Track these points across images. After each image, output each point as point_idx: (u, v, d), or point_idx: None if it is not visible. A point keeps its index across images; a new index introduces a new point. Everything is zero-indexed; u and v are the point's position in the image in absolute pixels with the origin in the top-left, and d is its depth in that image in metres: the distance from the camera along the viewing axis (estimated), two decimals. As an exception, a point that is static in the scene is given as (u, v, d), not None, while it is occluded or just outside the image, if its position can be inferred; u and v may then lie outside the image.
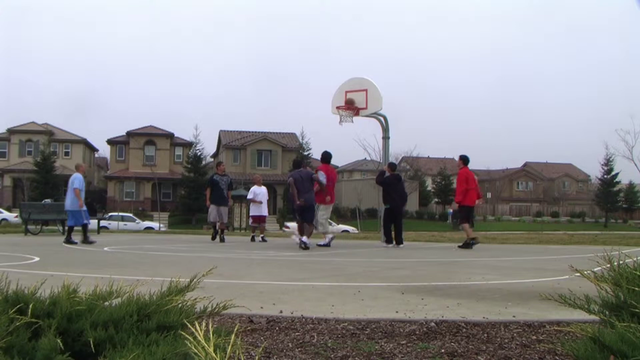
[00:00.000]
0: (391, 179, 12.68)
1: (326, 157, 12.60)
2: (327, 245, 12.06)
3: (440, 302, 4.01)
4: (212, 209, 14.31)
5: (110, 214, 39.37)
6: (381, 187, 13.08)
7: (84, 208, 12.75)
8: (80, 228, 13.02)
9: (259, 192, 15.52)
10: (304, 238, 11.05)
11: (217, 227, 14.49)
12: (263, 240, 14.87)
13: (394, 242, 12.29)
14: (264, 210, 15.51)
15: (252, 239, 15.09)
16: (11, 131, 51.37)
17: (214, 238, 14.30)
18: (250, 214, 16.15)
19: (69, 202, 12.70)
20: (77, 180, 12.72)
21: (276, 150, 52.81)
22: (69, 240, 12.51)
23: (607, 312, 2.26)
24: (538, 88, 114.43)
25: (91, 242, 12.62)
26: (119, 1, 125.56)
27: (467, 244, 11.71)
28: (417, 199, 52.62)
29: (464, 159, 12.23)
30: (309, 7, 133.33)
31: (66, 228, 13.58)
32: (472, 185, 12.01)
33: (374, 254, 10.19)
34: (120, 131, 55.04)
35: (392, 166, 13.26)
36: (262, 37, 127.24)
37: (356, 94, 14.71)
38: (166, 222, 42.07)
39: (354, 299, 4.16)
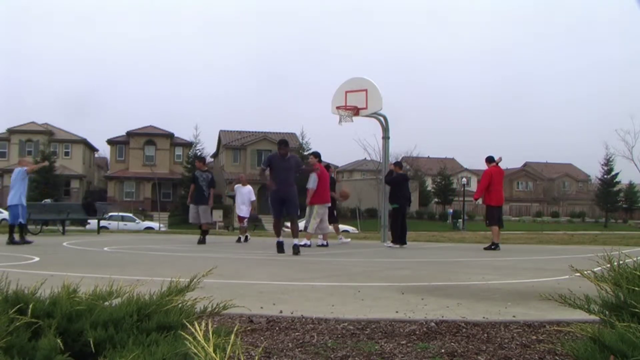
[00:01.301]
0: (399, 178, 12.66)
1: (319, 155, 12.60)
2: (325, 245, 12.09)
3: (440, 302, 4.01)
4: (191, 209, 13.33)
5: (110, 214, 39.36)
6: (384, 187, 13.07)
7: (24, 204, 12.15)
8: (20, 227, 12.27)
9: (238, 191, 15.14)
10: (296, 240, 9.57)
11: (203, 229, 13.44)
12: (245, 240, 14.42)
13: (399, 243, 12.23)
14: (243, 211, 14.92)
15: (245, 239, 14.52)
16: (11, 131, 51.37)
17: (200, 242, 13.06)
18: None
19: (14, 197, 12.03)
20: (21, 171, 12.12)
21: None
22: (12, 241, 11.85)
23: (607, 312, 2.26)
24: (538, 88, 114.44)
25: (26, 243, 12.01)
26: (119, 1, 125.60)
27: (491, 247, 11.48)
28: (417, 199, 52.60)
29: (488, 159, 12.01)
30: (309, 7, 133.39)
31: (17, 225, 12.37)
32: (496, 185, 11.76)
33: (374, 254, 10.19)
34: (120, 131, 55.15)
35: (399, 164, 13.27)
36: (262, 37, 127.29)
37: (356, 94, 14.72)
38: (166, 222, 42.07)
39: (354, 299, 4.16)
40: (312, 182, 12.01)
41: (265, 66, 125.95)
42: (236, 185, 15.47)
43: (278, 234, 9.96)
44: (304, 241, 11.79)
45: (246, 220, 15.30)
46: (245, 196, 14.99)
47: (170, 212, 47.52)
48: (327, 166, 14.61)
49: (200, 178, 13.32)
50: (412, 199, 16.00)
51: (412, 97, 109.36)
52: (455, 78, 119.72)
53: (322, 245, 12.05)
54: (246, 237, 14.92)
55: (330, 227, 13.54)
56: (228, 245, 13.00)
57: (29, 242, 12.16)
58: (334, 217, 13.97)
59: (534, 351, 2.55)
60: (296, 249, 9.26)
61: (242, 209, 14.96)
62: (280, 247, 9.67)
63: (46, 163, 13.89)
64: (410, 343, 2.71)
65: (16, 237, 12.09)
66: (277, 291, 4.58)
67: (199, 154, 50.50)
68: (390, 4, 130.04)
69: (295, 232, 9.64)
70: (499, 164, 12.22)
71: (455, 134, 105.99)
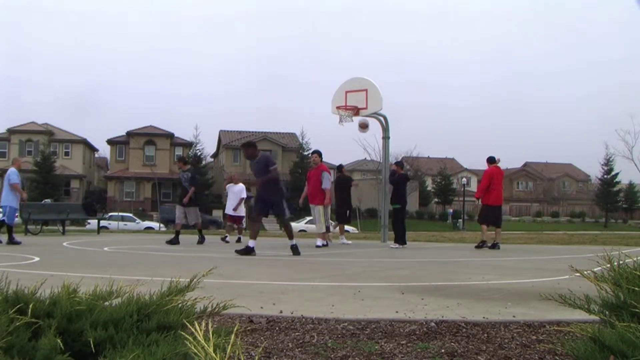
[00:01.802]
0: (402, 179, 12.76)
1: (322, 154, 12.55)
2: (325, 245, 12.09)
3: (440, 302, 4.01)
4: (177, 210, 13.12)
5: (110, 214, 39.40)
6: (384, 187, 13.15)
7: (16, 206, 12.16)
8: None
9: (230, 190, 14.66)
10: (293, 241, 9.24)
11: (179, 230, 13.07)
12: (223, 238, 13.94)
13: (401, 243, 12.26)
14: (235, 210, 14.48)
15: (224, 238, 14.08)
16: (11, 131, 51.38)
17: (170, 242, 12.51)
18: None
19: (4, 197, 12.02)
20: (12, 174, 12.09)
21: (276, 151, 52.80)
22: (12, 241, 11.87)
23: (607, 312, 2.26)
24: (538, 88, 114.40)
25: (16, 243, 11.91)
26: (119, 1, 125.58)
27: (483, 244, 11.78)
28: (417, 199, 52.60)
29: (489, 159, 12.12)
30: (309, 7, 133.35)
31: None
32: (496, 185, 11.86)
33: (374, 254, 10.19)
34: (120, 131, 55.16)
35: (400, 164, 13.36)
36: (262, 37, 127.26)
37: (356, 94, 14.73)
38: (166, 222, 42.06)
39: (354, 299, 4.16)
40: (327, 182, 12.01)
41: (265, 66, 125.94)
42: (228, 185, 15.02)
43: (251, 234, 9.26)
44: (321, 242, 11.87)
45: (243, 219, 15.10)
46: (237, 195, 14.54)
47: (170, 212, 47.52)
48: (340, 167, 14.71)
49: (183, 179, 13.00)
50: (412, 199, 16.15)
51: (412, 97, 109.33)
52: (455, 78, 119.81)
53: (324, 245, 12.05)
54: (225, 237, 14.33)
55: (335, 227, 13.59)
56: (228, 245, 12.98)
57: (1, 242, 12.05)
58: (347, 218, 14.04)
59: (534, 351, 2.55)
60: (295, 250, 9.10)
61: (232, 209, 14.57)
62: (246, 251, 8.90)
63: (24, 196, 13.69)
64: (410, 343, 2.71)
65: (3, 237, 12.02)
66: (277, 291, 4.58)
67: (199, 154, 50.61)
68: (390, 4, 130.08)
69: (289, 233, 9.37)
70: (498, 165, 12.31)
71: (455, 134, 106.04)
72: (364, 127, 14.70)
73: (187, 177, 12.94)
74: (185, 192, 12.88)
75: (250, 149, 9.43)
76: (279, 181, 9.43)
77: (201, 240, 12.92)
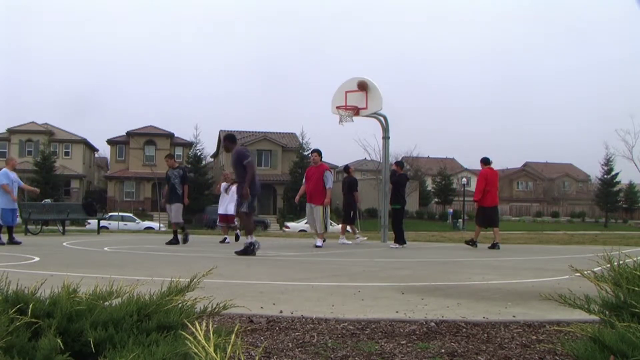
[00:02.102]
0: (402, 178, 12.78)
1: (321, 153, 12.48)
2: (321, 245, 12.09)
3: (440, 302, 4.01)
4: (167, 209, 12.99)
5: (110, 214, 39.40)
6: (384, 187, 13.16)
7: (14, 207, 12.13)
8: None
9: (224, 190, 14.41)
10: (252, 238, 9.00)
11: (176, 230, 12.89)
12: (223, 240, 13.73)
13: (401, 243, 12.25)
14: (229, 209, 14.01)
15: (223, 241, 13.77)
16: (11, 131, 51.36)
17: (170, 242, 12.50)
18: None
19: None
20: (1, 175, 11.93)
21: (276, 151, 52.81)
22: (12, 241, 11.91)
23: (607, 312, 2.26)
24: (538, 88, 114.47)
25: (16, 243, 11.95)
26: (119, 1, 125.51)
27: (472, 242, 12.03)
28: (417, 199, 52.59)
29: (483, 160, 12.17)
30: (309, 7, 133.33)
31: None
32: (491, 186, 11.90)
33: (374, 254, 10.19)
34: (120, 131, 55.13)
35: (400, 164, 13.36)
36: (262, 37, 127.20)
37: (356, 94, 14.72)
38: (166, 222, 42.07)
39: (354, 299, 4.16)
40: (330, 181, 11.97)
41: (265, 66, 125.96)
42: (222, 184, 14.74)
43: (246, 233, 9.26)
44: (319, 241, 11.84)
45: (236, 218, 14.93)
46: (232, 195, 13.85)
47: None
48: (347, 167, 14.67)
49: (172, 176, 12.72)
50: (412, 199, 16.16)
51: (412, 97, 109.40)
52: (455, 78, 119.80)
53: (323, 242, 12.03)
54: (224, 238, 14.04)
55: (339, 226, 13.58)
56: (227, 245, 12.98)
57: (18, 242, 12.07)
58: (350, 219, 14.05)
59: (534, 351, 2.56)
60: (243, 249, 8.87)
61: (230, 208, 14.08)
62: (245, 251, 8.85)
63: (37, 190, 13.82)
64: (410, 343, 2.71)
65: (4, 237, 11.97)
66: (277, 291, 4.58)
67: (199, 154, 50.55)
68: (390, 4, 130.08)
69: (246, 226, 9.23)
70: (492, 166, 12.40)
71: (455, 134, 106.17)
72: (363, 87, 14.62)
73: (177, 173, 12.72)
74: (173, 189, 12.67)
75: (226, 142, 9.35)
76: (254, 176, 9.22)
77: (185, 239, 12.64)
